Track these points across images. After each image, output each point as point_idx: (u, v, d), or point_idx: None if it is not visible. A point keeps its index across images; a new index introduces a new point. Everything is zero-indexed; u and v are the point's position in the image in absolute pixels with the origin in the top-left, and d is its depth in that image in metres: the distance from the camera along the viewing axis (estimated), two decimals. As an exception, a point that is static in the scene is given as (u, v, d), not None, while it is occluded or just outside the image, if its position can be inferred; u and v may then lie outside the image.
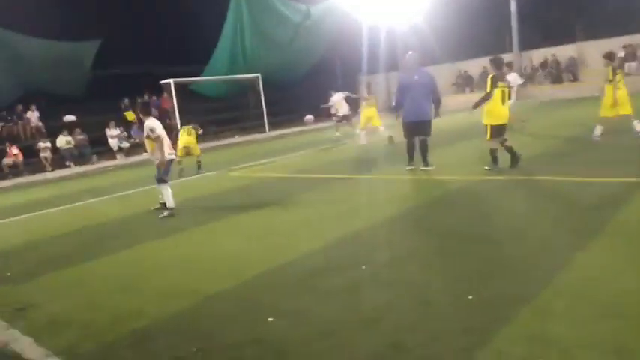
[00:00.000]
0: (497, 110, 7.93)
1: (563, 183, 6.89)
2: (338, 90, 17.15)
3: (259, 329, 3.57)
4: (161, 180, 7.97)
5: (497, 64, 8.28)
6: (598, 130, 9.63)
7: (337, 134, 16.41)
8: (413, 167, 9.11)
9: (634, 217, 5.03)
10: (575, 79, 24.80)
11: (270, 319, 3.69)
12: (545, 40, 25.97)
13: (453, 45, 26.46)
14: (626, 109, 9.43)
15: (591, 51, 25.56)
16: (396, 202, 6.98)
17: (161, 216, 7.89)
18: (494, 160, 8.09)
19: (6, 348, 3.61)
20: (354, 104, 17.13)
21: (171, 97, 20.83)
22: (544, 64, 25.93)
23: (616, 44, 23.31)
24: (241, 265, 5.04)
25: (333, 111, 16.75)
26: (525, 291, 3.62)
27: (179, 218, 7.78)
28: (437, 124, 9.26)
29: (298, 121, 26.61)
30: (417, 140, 9.06)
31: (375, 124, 14.32)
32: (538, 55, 26.52)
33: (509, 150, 8.08)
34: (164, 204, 8.05)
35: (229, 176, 11.77)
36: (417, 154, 9.15)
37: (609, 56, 9.47)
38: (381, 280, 4.20)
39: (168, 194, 7.94)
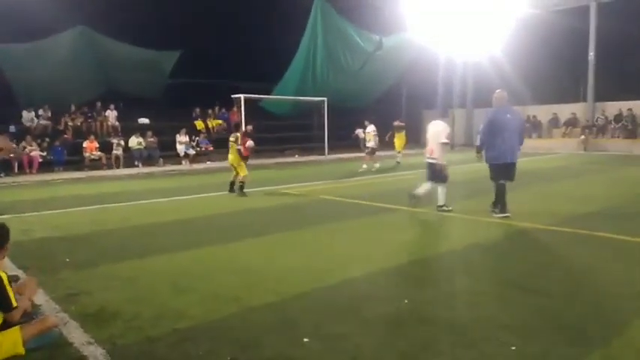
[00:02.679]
0: None
1: (628, 243, 6.55)
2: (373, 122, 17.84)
3: (293, 349, 3.60)
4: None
5: None
6: None
7: (364, 166, 17.12)
8: (509, 215, 8.11)
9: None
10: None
11: (305, 339, 3.72)
12: (622, 92, 24.99)
13: (525, 88, 25.94)
14: None
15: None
16: (449, 240, 6.87)
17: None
18: None
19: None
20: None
21: (240, 111, 21.48)
22: (618, 117, 24.88)
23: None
24: (287, 281, 5.11)
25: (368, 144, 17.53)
26: (573, 352, 3.46)
27: (233, 228, 7.98)
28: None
29: (358, 147, 26.83)
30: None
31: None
32: (612, 108, 25.47)
33: None
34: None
35: (284, 193, 11.97)
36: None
37: None
38: (422, 316, 4.14)
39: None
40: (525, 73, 25.75)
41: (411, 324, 3.99)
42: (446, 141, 8.80)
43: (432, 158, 8.82)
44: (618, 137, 24.48)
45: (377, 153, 17.63)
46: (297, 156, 24.85)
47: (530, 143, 26.08)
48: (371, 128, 17.35)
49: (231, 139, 11.61)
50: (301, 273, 5.43)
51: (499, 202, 8.22)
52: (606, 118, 25.44)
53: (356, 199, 10.69)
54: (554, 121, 27.57)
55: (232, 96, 22.13)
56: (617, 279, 5.09)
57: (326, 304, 4.47)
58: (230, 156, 11.63)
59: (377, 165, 17.33)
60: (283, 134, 26.30)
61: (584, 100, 26.49)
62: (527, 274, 5.26)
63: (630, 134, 24.13)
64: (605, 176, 14.46)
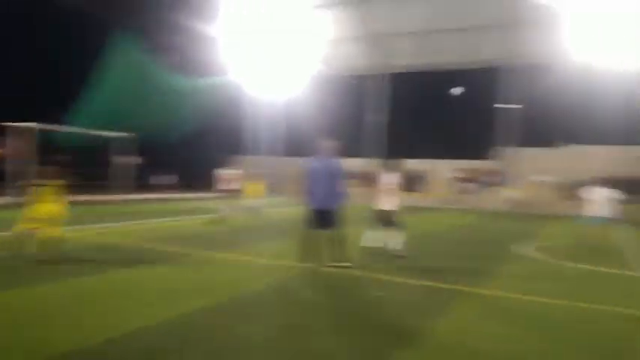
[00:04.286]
0: None
1: (397, 283, 7.37)
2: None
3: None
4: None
5: None
6: None
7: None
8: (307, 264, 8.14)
9: (452, 326, 5.45)
10: (418, 190, 27.48)
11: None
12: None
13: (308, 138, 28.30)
14: None
15: (433, 168, 28.90)
16: (234, 285, 6.93)
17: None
18: None
19: None
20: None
21: (15, 141, 19.01)
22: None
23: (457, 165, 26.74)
24: (65, 339, 4.55)
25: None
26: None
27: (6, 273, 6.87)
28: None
29: (149, 186, 25.81)
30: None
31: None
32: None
33: None
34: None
35: (68, 236, 10.78)
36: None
37: None
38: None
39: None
40: (323, 126, 28.18)
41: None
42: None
43: (387, 205, 9.37)
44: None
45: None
46: (77, 196, 22.73)
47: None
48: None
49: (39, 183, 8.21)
50: (89, 324, 4.91)
51: (339, 251, 8.18)
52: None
53: (148, 243, 10.16)
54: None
55: (4, 124, 19.47)
56: (383, 317, 5.70)
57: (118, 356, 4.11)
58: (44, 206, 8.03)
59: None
60: (67, 169, 23.91)
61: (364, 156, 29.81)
62: (298, 315, 5.60)
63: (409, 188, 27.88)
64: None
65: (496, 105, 26.49)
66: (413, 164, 28.40)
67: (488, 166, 27.21)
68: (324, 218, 8.19)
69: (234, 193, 16.61)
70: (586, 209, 11.93)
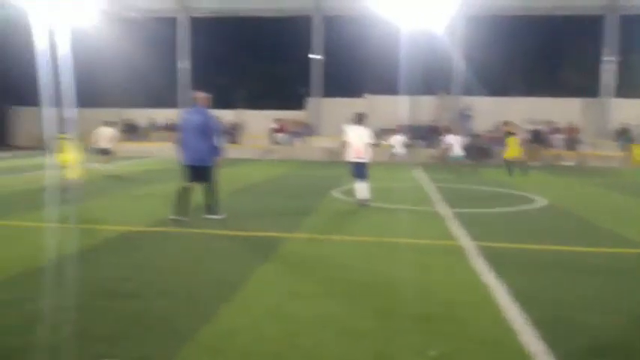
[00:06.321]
0: None
1: (217, 236, 7.24)
2: None
3: None
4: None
5: None
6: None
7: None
8: (177, 218, 7.86)
9: (275, 268, 5.61)
10: (234, 141, 27.43)
11: None
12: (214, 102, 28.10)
13: (119, 91, 25.88)
14: None
15: (249, 119, 28.90)
16: (39, 253, 6.02)
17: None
18: None
19: None
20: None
21: None
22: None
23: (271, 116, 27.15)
24: None
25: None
26: (164, 350, 3.50)
27: None
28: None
29: None
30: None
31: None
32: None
33: None
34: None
35: None
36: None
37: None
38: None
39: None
40: (120, 76, 25.78)
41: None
42: (371, 141, 9.90)
43: (361, 158, 9.78)
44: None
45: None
46: None
47: (128, 147, 26.24)
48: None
49: None
50: None
51: (177, 205, 7.98)
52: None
53: None
54: (153, 126, 28.64)
55: None
56: (205, 270, 5.52)
57: None
58: None
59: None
60: None
61: (177, 106, 28.45)
62: (121, 279, 5.12)
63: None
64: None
65: (310, 55, 27.04)
66: (227, 115, 28.01)
67: (301, 116, 28.03)
68: (198, 175, 7.99)
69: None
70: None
